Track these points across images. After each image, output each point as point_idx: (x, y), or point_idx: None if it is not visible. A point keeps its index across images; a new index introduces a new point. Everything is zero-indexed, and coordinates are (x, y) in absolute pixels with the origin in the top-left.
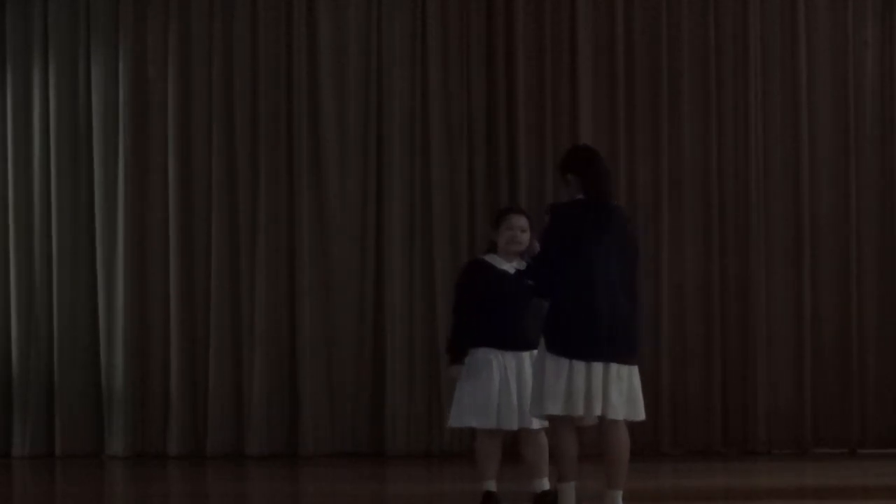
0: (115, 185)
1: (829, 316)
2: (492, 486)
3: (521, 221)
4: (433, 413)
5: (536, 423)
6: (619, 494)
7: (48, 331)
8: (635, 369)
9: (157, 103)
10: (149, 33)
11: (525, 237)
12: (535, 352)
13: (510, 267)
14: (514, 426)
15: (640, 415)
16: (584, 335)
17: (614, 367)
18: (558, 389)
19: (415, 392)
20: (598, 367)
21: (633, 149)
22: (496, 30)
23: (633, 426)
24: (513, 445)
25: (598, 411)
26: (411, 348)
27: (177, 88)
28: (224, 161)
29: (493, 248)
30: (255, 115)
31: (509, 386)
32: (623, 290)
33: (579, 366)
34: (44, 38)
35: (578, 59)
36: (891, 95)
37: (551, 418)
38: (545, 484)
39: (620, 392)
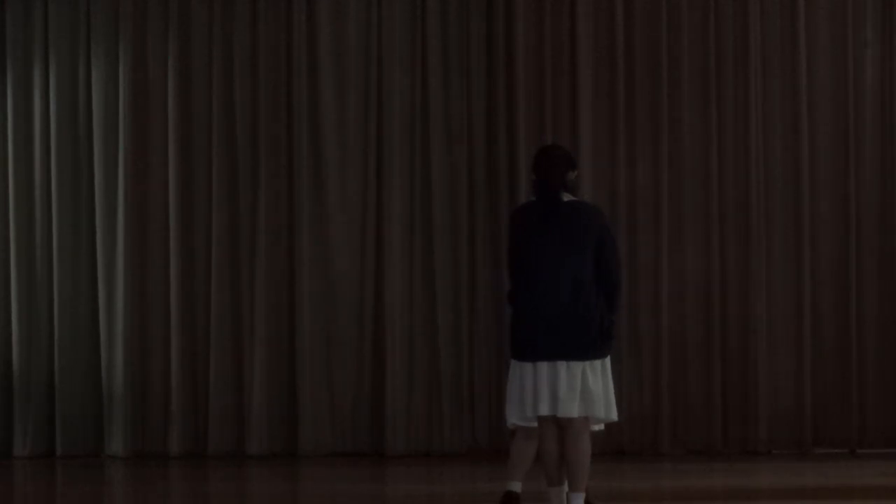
0: (115, 185)
1: (829, 316)
2: (516, 486)
3: None
4: (433, 413)
5: None
6: (581, 497)
7: (48, 331)
8: (598, 365)
9: (157, 103)
10: (149, 34)
11: None
12: None
13: None
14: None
15: (600, 413)
16: (525, 336)
17: (562, 364)
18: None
19: (415, 392)
20: (542, 366)
21: (633, 149)
22: (496, 30)
23: (632, 426)
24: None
25: (544, 411)
26: (411, 348)
27: (177, 89)
28: (224, 162)
29: None
30: (255, 114)
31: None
32: (575, 286)
33: (527, 367)
34: (44, 39)
35: (578, 59)
36: (891, 95)
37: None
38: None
39: (572, 389)
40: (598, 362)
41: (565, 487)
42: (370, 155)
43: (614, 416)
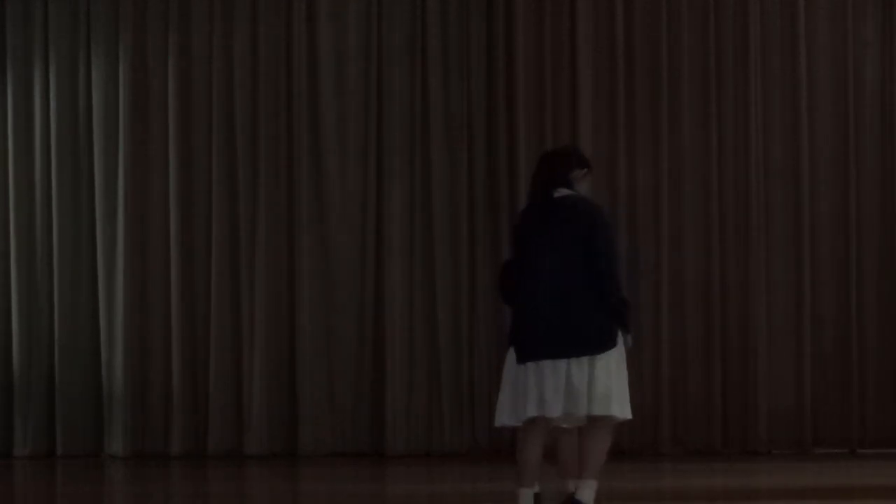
0: (115, 185)
1: (829, 316)
2: (570, 486)
3: None
4: (433, 413)
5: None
6: (591, 485)
7: (49, 331)
8: (585, 361)
9: (157, 103)
10: (149, 34)
11: None
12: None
13: None
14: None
15: (582, 410)
16: (519, 338)
17: (548, 363)
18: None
19: (415, 392)
20: (531, 367)
21: (633, 149)
22: (496, 30)
23: (632, 426)
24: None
25: (532, 412)
26: (411, 348)
27: (177, 88)
28: (224, 161)
29: None
30: (255, 115)
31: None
32: (569, 285)
33: (520, 368)
34: (44, 39)
35: (578, 59)
36: (891, 95)
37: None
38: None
39: (556, 389)
40: (584, 359)
41: (536, 488)
42: (370, 155)
43: (614, 412)
